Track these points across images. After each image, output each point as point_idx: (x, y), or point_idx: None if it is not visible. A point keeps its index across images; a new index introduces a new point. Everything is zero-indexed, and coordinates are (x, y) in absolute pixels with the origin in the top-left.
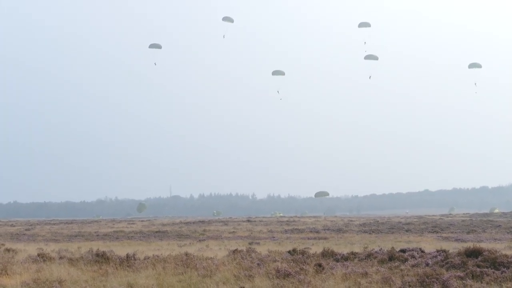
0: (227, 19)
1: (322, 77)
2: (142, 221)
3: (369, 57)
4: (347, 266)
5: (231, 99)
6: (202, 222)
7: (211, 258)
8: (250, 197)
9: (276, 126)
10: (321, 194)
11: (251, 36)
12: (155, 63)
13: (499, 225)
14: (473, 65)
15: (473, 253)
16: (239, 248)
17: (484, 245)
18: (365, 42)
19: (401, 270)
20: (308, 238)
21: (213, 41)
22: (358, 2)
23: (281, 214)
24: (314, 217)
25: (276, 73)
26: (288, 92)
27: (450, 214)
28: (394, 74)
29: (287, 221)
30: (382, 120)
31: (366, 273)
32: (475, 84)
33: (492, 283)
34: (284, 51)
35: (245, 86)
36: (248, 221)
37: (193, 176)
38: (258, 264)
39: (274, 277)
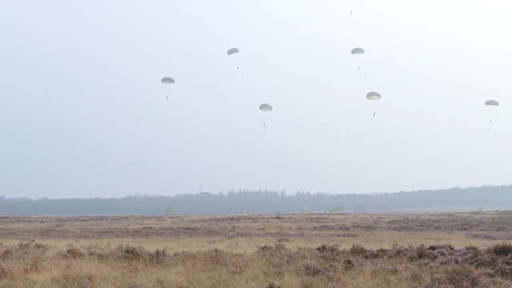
0: (233, 51)
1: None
2: (171, 217)
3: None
4: (376, 263)
5: (264, 95)
6: (232, 219)
7: (240, 254)
8: (280, 194)
9: (304, 125)
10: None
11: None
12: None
13: None
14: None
15: (502, 251)
16: (269, 245)
17: None
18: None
19: (431, 267)
20: (338, 235)
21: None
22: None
23: (308, 211)
24: (343, 214)
25: (262, 107)
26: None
27: (479, 211)
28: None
29: (316, 218)
30: (413, 117)
31: (396, 270)
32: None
33: None
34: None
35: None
36: (278, 218)
37: (223, 173)
38: (287, 261)
39: (304, 273)
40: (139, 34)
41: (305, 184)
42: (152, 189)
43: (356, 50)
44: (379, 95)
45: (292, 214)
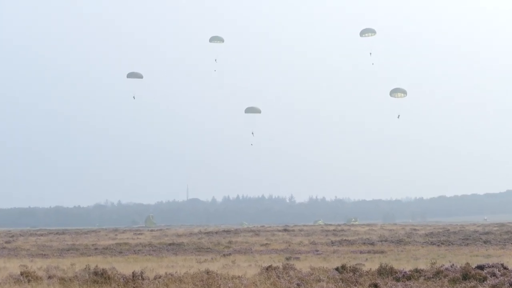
0: (216, 39)
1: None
2: (151, 230)
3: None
4: (410, 287)
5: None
6: (227, 232)
7: (238, 277)
8: (288, 201)
9: (317, 120)
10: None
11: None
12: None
13: None
14: None
15: None
16: (274, 265)
17: None
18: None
19: None
20: (361, 252)
21: None
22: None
23: (323, 222)
24: (368, 225)
25: (249, 111)
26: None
27: None
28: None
29: (333, 230)
30: (452, 108)
31: None
32: None
33: None
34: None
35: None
36: (285, 230)
37: (216, 175)
38: (297, 285)
39: None
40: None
41: (320, 188)
42: (127, 195)
43: (366, 32)
44: (404, 92)
45: (304, 225)
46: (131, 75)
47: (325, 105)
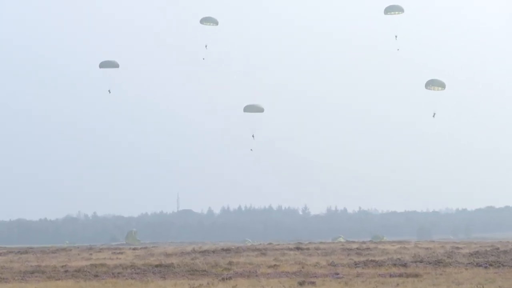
0: (208, 21)
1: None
2: (134, 249)
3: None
4: None
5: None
6: (227, 250)
7: None
8: (301, 212)
9: (334, 114)
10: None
11: None
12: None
13: None
14: None
15: None
16: None
17: None
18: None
19: None
20: (391, 275)
21: None
22: None
23: (344, 239)
24: (399, 242)
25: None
26: None
27: None
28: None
29: (357, 248)
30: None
31: None
32: None
33: None
34: None
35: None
36: (298, 248)
37: (213, 181)
38: None
39: None
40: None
41: (340, 197)
42: (105, 205)
43: (392, 9)
44: (443, 86)
45: (320, 242)
46: (105, 64)
47: (343, 99)
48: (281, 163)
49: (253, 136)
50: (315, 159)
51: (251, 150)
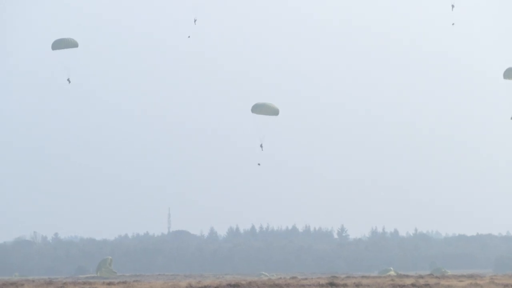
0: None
1: None
2: (109, 284)
3: None
4: None
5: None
6: (236, 287)
7: None
8: (336, 236)
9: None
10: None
11: None
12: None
13: None
14: None
15: None
16: None
17: None
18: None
19: None
20: None
21: None
22: None
23: (395, 272)
24: (470, 276)
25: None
26: None
27: None
28: None
29: (412, 285)
30: None
31: None
32: None
33: None
34: None
35: None
36: (332, 284)
37: (216, 194)
38: None
39: None
40: None
41: (388, 216)
42: (70, 225)
43: None
44: None
45: (363, 276)
46: (59, 44)
47: (387, 95)
48: (306, 171)
49: (261, 146)
50: (353, 168)
51: (259, 164)
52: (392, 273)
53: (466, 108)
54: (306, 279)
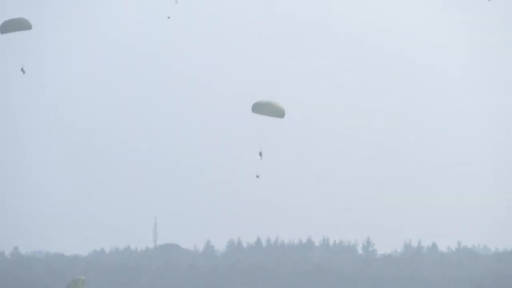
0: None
1: None
2: None
3: None
4: None
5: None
6: None
7: None
8: (361, 251)
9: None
10: None
11: None
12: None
13: None
14: None
15: None
16: None
17: None
18: None
19: None
20: None
21: None
22: None
23: None
24: None
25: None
26: None
27: None
28: None
29: None
30: None
31: None
32: None
33: None
34: None
35: None
36: None
37: (212, 199)
38: None
39: None
40: None
41: (423, 227)
42: (33, 237)
43: None
44: None
45: None
46: (8, 26)
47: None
48: (325, 171)
49: (260, 154)
50: (380, 164)
51: (257, 176)
52: None
53: None
54: None
